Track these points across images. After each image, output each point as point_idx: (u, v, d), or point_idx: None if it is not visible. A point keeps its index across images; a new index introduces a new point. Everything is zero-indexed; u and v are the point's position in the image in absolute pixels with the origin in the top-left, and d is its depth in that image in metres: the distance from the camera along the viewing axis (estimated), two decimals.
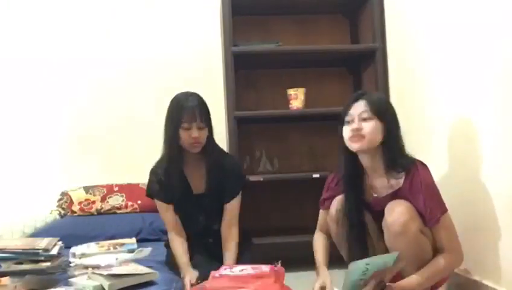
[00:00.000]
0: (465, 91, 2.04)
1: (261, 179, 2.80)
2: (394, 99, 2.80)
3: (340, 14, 3.23)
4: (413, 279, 1.74)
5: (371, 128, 1.83)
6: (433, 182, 1.82)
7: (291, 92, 2.90)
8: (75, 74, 3.18)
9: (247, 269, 1.80)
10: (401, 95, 2.72)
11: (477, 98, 1.96)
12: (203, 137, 2.15)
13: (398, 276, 1.78)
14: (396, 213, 1.75)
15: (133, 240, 2.39)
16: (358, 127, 1.84)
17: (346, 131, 1.89)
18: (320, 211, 2.11)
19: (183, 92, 2.22)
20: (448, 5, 2.15)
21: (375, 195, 1.92)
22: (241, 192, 2.26)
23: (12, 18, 3.16)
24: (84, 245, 2.26)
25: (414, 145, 2.54)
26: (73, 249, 2.22)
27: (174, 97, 2.22)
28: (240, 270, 1.80)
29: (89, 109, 3.18)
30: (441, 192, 1.83)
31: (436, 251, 1.80)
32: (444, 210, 1.80)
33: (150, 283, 1.81)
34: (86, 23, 3.20)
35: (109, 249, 2.23)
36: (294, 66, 3.16)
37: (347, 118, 1.89)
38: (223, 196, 2.23)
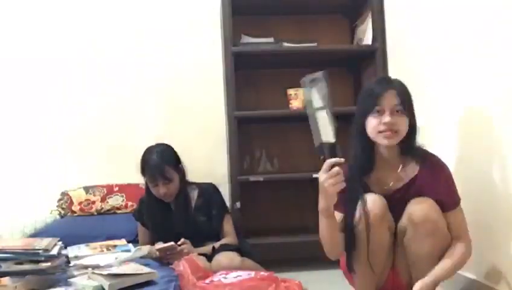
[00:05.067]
0: (465, 91, 2.04)
1: (261, 179, 2.80)
2: None
3: (340, 14, 3.23)
4: (437, 272, 1.64)
5: (405, 125, 1.71)
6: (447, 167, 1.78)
7: (291, 92, 2.89)
8: (75, 74, 3.17)
9: (243, 274, 1.83)
10: None
11: (478, 98, 1.96)
12: (171, 190, 2.31)
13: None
14: (423, 210, 1.65)
15: (124, 241, 2.39)
16: (393, 122, 1.69)
17: (374, 123, 1.71)
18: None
19: (148, 148, 2.37)
20: (448, 4, 2.15)
21: (385, 187, 1.78)
22: (228, 214, 2.41)
23: (13, 18, 3.16)
24: (75, 247, 2.23)
25: None
26: (64, 251, 2.19)
27: (143, 153, 2.36)
28: (234, 277, 1.82)
29: (89, 108, 3.17)
30: None
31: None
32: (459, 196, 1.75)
33: (150, 283, 1.81)
34: (87, 24, 3.19)
35: (102, 250, 2.22)
36: (294, 66, 3.16)
37: (377, 108, 1.71)
38: (207, 221, 2.35)
